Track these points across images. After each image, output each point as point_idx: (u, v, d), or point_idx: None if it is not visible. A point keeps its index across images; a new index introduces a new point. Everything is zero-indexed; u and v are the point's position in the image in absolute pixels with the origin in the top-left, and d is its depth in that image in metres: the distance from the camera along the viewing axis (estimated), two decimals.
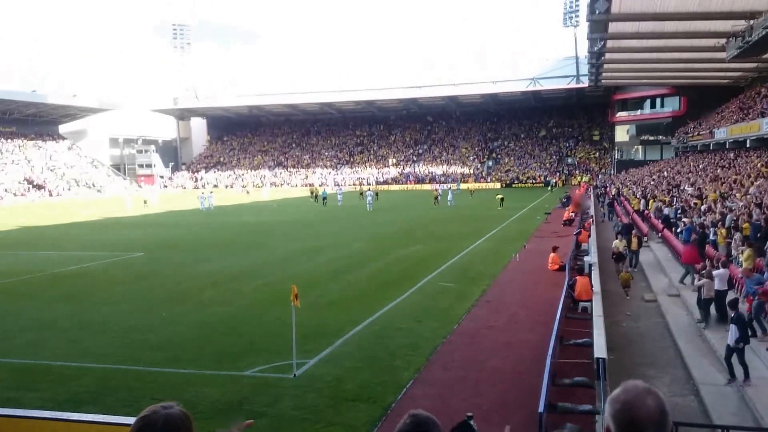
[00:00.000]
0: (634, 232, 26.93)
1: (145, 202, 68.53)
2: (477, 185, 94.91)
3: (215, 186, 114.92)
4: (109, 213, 62.61)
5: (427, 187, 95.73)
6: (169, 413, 2.54)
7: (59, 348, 15.73)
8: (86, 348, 15.79)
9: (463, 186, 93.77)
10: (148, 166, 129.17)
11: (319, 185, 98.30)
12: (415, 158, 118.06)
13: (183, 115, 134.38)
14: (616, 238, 26.72)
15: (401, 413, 10.08)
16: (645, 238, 30.30)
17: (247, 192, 73.78)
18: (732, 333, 12.39)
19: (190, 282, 24.61)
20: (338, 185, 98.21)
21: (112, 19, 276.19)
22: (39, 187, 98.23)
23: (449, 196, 61.48)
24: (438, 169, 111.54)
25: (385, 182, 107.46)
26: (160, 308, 20.03)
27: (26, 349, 15.55)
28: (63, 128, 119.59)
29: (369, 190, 67.18)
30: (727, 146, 55.67)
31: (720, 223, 23.98)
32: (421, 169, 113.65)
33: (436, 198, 62.40)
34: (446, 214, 52.46)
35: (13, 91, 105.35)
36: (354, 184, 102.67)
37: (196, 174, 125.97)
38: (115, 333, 17.15)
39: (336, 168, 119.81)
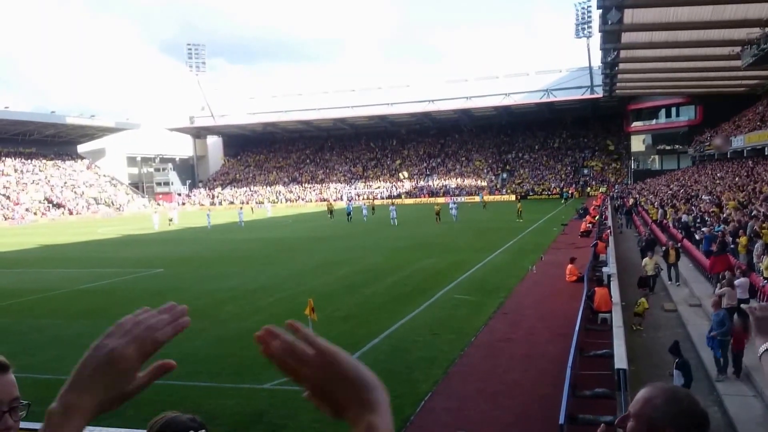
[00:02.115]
0: (671, 243, 26.04)
1: (171, 220, 69.15)
2: (491, 197, 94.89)
3: (231, 203, 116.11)
4: (129, 230, 63.25)
5: (441, 200, 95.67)
6: (183, 422, 2.46)
7: None
8: None
9: (476, 198, 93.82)
10: (166, 184, 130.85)
11: (349, 200, 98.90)
12: (428, 172, 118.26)
13: (199, 134, 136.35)
14: (645, 256, 26.25)
15: (420, 425, 10.05)
16: (678, 244, 29.47)
17: (252, 210, 74.41)
18: (676, 378, 12.14)
19: (209, 297, 24.74)
20: (351, 200, 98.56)
21: (129, 41, 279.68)
22: (59, 206, 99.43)
23: (453, 212, 59.78)
24: (452, 182, 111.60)
25: (399, 196, 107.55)
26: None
27: (49, 364, 15.65)
28: (81, 148, 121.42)
29: (393, 204, 66.73)
30: (745, 154, 55.39)
31: (741, 231, 23.79)
32: (435, 182, 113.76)
33: (438, 214, 59.18)
34: (461, 227, 52.34)
35: (33, 113, 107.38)
36: (367, 199, 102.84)
37: (212, 191, 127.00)
38: None
39: (350, 182, 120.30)
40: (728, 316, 13.89)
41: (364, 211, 66.69)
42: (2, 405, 1.82)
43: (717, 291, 17.57)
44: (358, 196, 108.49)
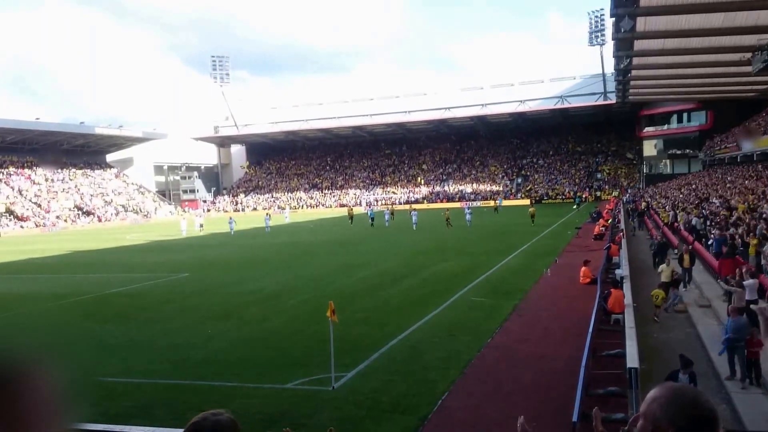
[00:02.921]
0: (685, 247, 25.72)
1: (201, 226, 69.92)
2: (506, 202, 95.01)
3: (254, 209, 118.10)
4: (156, 237, 64.23)
5: (457, 205, 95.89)
6: (218, 419, 2.63)
7: (110, 365, 16.31)
8: (135, 364, 16.38)
9: (491, 203, 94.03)
10: (192, 191, 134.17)
11: (368, 205, 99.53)
12: (444, 177, 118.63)
13: (223, 143, 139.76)
14: (657, 259, 26.38)
15: (437, 424, 10.50)
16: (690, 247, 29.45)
17: (269, 215, 74.79)
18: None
19: (233, 300, 25.26)
20: (370, 205, 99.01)
21: (155, 53, 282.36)
22: (88, 213, 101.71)
23: (468, 217, 59.97)
24: (468, 188, 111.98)
25: (416, 201, 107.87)
26: (206, 326, 20.62)
27: (80, 366, 15.97)
28: (110, 157, 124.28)
29: (414, 210, 66.93)
30: (755, 158, 55.40)
31: (751, 233, 24.00)
32: (451, 187, 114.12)
33: (448, 220, 58.81)
34: (476, 231, 52.63)
35: (63, 123, 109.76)
36: (385, 204, 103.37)
37: (236, 198, 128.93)
38: (162, 350, 17.75)
39: (368, 188, 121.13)
40: (749, 323, 13.98)
41: (386, 216, 66.54)
42: None
43: (725, 286, 17.62)
44: (377, 201, 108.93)
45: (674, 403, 2.23)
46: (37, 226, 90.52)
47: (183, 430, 2.61)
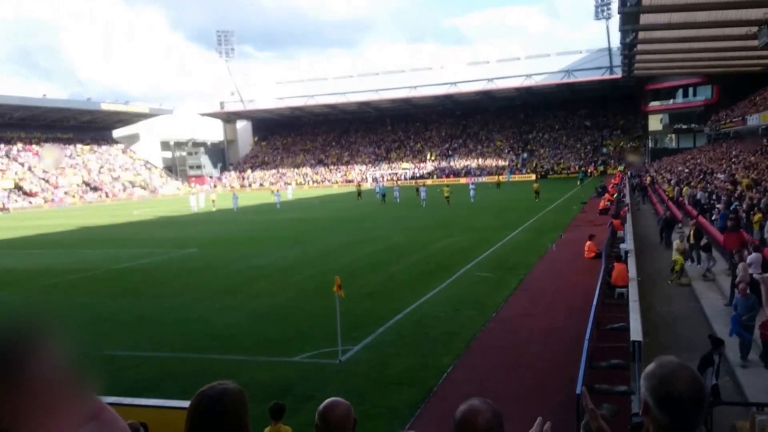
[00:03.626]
0: (692, 223, 25.48)
1: (214, 201, 69.65)
2: (501, 178, 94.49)
3: (261, 185, 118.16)
4: (163, 212, 64.62)
5: (463, 180, 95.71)
6: (226, 387, 2.74)
7: (120, 339, 16.54)
8: (145, 338, 16.61)
9: (499, 178, 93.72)
10: (198, 167, 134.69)
11: (374, 180, 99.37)
12: (450, 153, 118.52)
13: (229, 118, 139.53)
14: (669, 238, 26.51)
15: (443, 396, 10.64)
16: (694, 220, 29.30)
17: (272, 192, 74.73)
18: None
19: (241, 275, 25.49)
20: (376, 180, 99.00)
21: (160, 29, 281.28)
22: (95, 189, 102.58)
23: (471, 193, 59.85)
24: (473, 163, 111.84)
25: (422, 177, 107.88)
26: (214, 300, 20.86)
27: (91, 340, 16.21)
28: (116, 133, 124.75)
29: (423, 186, 66.42)
30: (760, 132, 55.23)
31: (755, 208, 24.02)
32: (457, 163, 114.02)
33: (447, 198, 57.25)
34: (481, 206, 52.69)
35: (70, 100, 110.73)
36: (390, 180, 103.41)
37: (242, 174, 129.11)
38: (171, 324, 17.97)
39: (374, 164, 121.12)
40: (758, 300, 13.60)
41: (396, 193, 66.33)
42: None
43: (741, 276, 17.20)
44: (383, 177, 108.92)
45: (653, 377, 2.36)
46: (45, 201, 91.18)
47: (192, 398, 2.72)
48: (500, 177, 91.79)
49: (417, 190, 67.93)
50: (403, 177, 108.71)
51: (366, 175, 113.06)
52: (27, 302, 21.55)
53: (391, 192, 68.05)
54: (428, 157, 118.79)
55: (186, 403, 2.80)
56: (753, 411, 8.49)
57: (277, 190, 72.69)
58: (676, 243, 22.05)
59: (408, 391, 12.26)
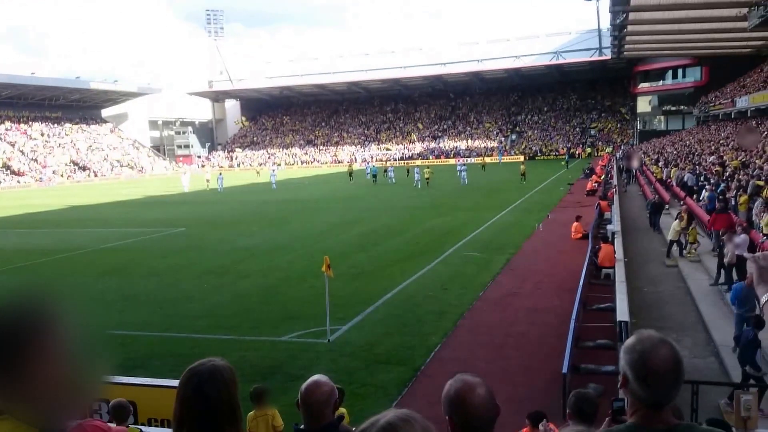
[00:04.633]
0: (684, 208, 24.77)
1: (208, 181, 68.51)
2: (488, 159, 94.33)
3: (250, 165, 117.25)
4: (152, 192, 64.34)
5: (452, 161, 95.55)
6: (215, 364, 2.77)
7: (108, 318, 16.43)
8: (133, 317, 16.61)
9: (488, 159, 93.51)
10: (186, 146, 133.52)
11: (363, 161, 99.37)
12: (439, 134, 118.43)
13: (218, 97, 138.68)
14: (653, 218, 26.65)
15: (430, 375, 10.68)
16: (681, 201, 29.16)
17: (257, 173, 74.10)
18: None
19: (230, 255, 25.46)
20: (366, 161, 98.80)
21: (148, 7, 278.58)
22: (84, 168, 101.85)
23: (462, 174, 58.49)
24: (462, 144, 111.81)
25: (411, 158, 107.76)
26: (202, 280, 20.86)
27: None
28: (105, 112, 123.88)
29: (416, 167, 65.67)
30: (749, 114, 55.43)
31: (742, 189, 24.11)
32: (446, 144, 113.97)
33: (428, 179, 56.03)
34: (470, 187, 52.74)
35: (59, 78, 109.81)
36: (380, 161, 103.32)
37: (231, 153, 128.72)
38: (159, 303, 17.97)
39: (363, 145, 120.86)
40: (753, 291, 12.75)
41: (390, 173, 65.96)
42: None
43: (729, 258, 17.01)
44: (372, 157, 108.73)
45: (633, 351, 2.44)
46: (35, 180, 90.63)
47: (181, 375, 2.74)
48: (485, 158, 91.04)
49: (408, 171, 67.63)
50: (392, 158, 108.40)
51: (355, 156, 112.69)
52: (13, 283, 21.46)
53: (382, 173, 67.85)
54: (415, 137, 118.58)
55: (175, 382, 2.81)
56: (738, 391, 8.54)
57: (273, 170, 71.80)
58: (675, 223, 21.88)
59: (396, 369, 12.35)
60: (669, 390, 2.43)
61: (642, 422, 2.46)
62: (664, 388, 2.42)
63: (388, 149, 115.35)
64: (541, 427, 6.74)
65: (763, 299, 4.08)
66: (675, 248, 21.53)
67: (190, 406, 2.68)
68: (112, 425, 3.62)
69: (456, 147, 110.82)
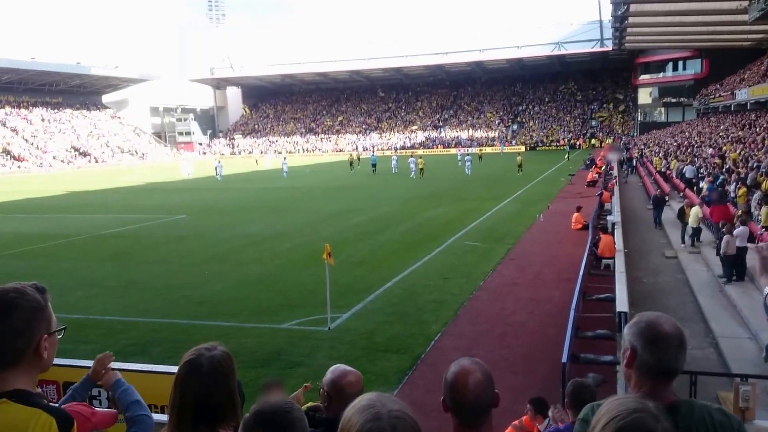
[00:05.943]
0: (686, 202, 24.11)
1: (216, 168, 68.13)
2: (489, 149, 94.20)
3: (250, 152, 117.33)
4: (152, 179, 64.36)
5: (453, 151, 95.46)
6: (213, 355, 2.72)
7: (108, 304, 16.53)
8: (133, 304, 16.61)
9: (489, 150, 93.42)
10: (188, 133, 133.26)
11: (364, 150, 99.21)
12: (441, 123, 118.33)
13: (219, 85, 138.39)
14: (656, 212, 26.29)
15: (430, 363, 10.70)
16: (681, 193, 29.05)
17: (256, 161, 73.84)
18: None
19: (230, 243, 25.49)
20: (366, 150, 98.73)
21: None
22: (84, 154, 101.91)
23: (467, 164, 57.59)
24: (464, 134, 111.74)
25: (412, 147, 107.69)
26: (202, 267, 20.86)
27: (78, 305, 16.27)
28: (106, 98, 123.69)
29: (412, 156, 65.46)
30: (749, 107, 55.36)
31: (741, 181, 24.10)
32: (448, 133, 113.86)
33: (422, 170, 55.11)
34: (471, 177, 52.72)
35: (59, 64, 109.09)
36: (381, 149, 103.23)
37: (232, 141, 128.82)
38: (159, 290, 17.95)
39: (365, 134, 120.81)
40: None
41: (394, 162, 65.25)
42: None
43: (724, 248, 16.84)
44: (373, 147, 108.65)
45: (639, 323, 2.58)
46: (36, 166, 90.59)
47: (178, 368, 2.74)
48: (481, 150, 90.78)
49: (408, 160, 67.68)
50: (393, 147, 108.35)
51: (356, 145, 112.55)
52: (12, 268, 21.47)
53: (384, 162, 67.40)
54: (416, 127, 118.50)
55: (174, 368, 2.80)
56: (737, 382, 8.57)
57: (284, 158, 70.96)
58: (695, 209, 21.37)
59: (396, 358, 12.35)
60: (677, 354, 2.53)
61: (648, 395, 2.48)
62: (673, 352, 2.51)
63: (387, 138, 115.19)
64: (549, 413, 6.76)
65: (766, 289, 4.09)
66: (687, 238, 21.36)
67: (188, 393, 2.68)
68: (101, 410, 3.60)
69: (457, 137, 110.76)
